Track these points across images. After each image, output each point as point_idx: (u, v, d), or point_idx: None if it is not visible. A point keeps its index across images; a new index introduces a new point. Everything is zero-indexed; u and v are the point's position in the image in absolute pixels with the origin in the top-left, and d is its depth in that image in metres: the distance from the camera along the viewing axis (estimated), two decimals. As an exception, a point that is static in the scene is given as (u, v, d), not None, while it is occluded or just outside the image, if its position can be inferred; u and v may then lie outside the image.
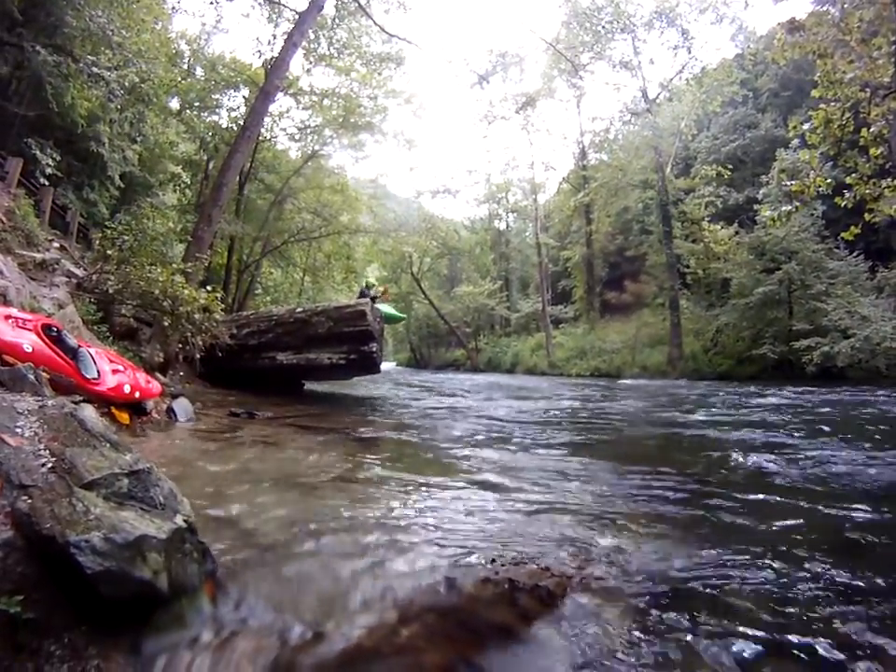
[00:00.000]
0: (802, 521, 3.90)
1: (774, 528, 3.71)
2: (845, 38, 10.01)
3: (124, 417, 6.10)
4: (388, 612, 2.17)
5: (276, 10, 24.87)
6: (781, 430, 8.53)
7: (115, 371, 6.37)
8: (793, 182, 10.96)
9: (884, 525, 3.83)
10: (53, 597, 1.79)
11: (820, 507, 4.23)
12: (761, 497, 4.55)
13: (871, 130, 10.05)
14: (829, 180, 10.41)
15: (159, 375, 9.27)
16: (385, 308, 15.43)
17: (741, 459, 6.06)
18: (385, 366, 14.59)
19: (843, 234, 11.26)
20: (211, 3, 22.95)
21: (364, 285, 16.60)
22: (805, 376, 22.81)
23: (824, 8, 10.86)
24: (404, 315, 21.39)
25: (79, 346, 6.22)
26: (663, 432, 8.96)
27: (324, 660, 1.89)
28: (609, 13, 35.81)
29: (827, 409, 11.25)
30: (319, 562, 2.65)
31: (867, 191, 10.37)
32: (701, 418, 10.26)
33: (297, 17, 19.62)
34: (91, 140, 18.75)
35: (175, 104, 27.63)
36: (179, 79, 25.73)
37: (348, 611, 2.16)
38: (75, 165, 19.21)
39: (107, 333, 9.94)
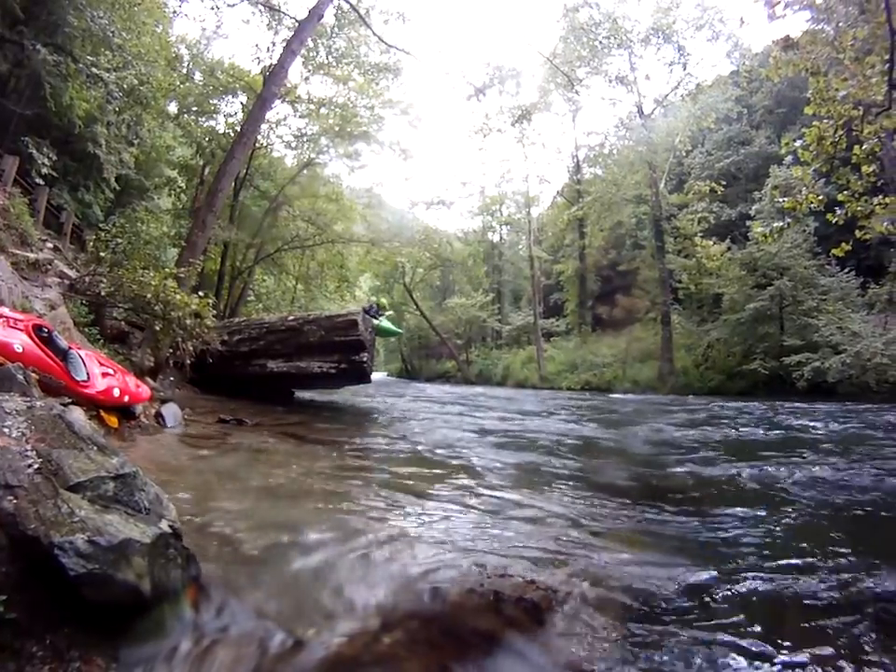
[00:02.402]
0: (789, 533, 3.93)
1: (761, 543, 3.72)
2: (838, 56, 10.09)
3: (113, 421, 6.08)
4: (371, 620, 2.17)
5: (276, 18, 24.96)
6: (765, 446, 8.59)
7: (105, 375, 6.36)
8: (786, 199, 11.01)
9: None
10: (36, 599, 1.79)
11: (806, 520, 4.26)
12: (750, 513, 4.56)
13: (863, 147, 10.12)
14: (821, 197, 10.45)
15: (148, 380, 9.25)
16: (384, 323, 15.44)
17: (730, 476, 6.07)
18: (375, 376, 14.56)
19: (834, 251, 11.31)
20: (212, 8, 23.09)
21: (376, 303, 16.53)
22: (796, 391, 22.90)
23: (819, 27, 10.93)
24: (401, 331, 21.25)
25: (70, 348, 6.20)
26: (654, 448, 8.99)
27: (303, 669, 1.88)
28: (607, 29, 36.08)
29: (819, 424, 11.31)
30: (303, 569, 2.65)
31: (859, 208, 10.43)
32: (691, 435, 10.29)
33: (296, 25, 19.72)
34: (88, 141, 18.71)
35: (172, 107, 27.57)
36: (178, 83, 25.67)
37: (330, 619, 2.16)
38: (71, 166, 19.17)
39: (98, 336, 9.92)
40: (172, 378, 11.33)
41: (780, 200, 11.52)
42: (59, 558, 1.74)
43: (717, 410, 15.93)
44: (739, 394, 24.73)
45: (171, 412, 7.59)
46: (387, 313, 16.81)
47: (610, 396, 26.59)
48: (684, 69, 36.19)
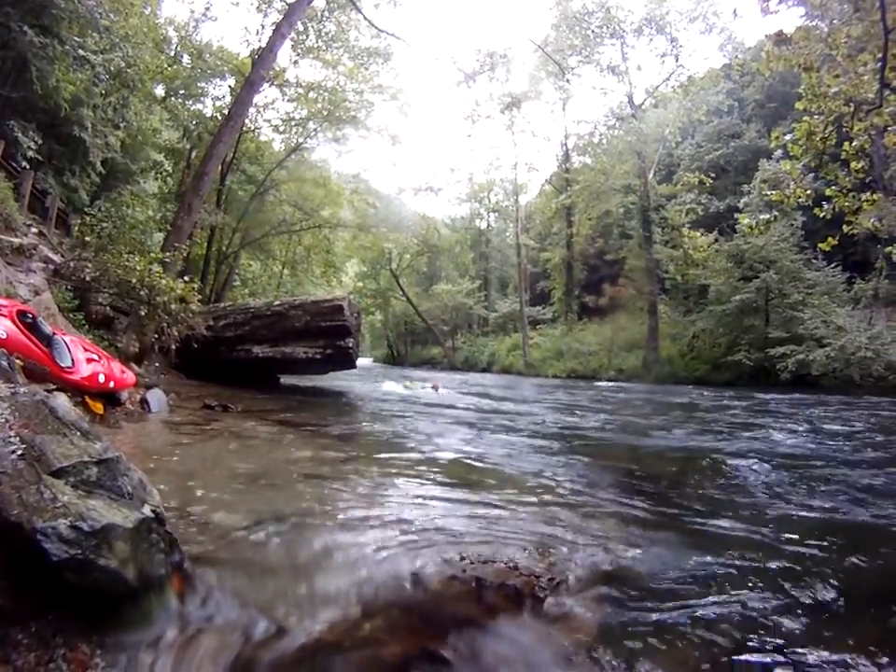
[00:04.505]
0: (778, 525, 3.96)
1: (744, 533, 3.76)
2: (831, 53, 10.08)
3: (98, 407, 6.07)
4: (352, 607, 2.19)
5: (266, 0, 24.77)
6: (753, 435, 8.67)
7: (89, 360, 6.34)
8: (774, 192, 11.04)
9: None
10: (21, 585, 1.79)
11: (798, 512, 4.30)
12: (735, 501, 4.61)
13: (853, 144, 10.15)
14: (809, 191, 10.48)
15: (134, 365, 9.22)
16: None
17: (716, 465, 6.10)
18: (361, 362, 14.62)
19: (821, 245, 11.36)
20: (201, -11, 22.89)
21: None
22: (780, 383, 23.13)
23: (813, 23, 10.93)
24: None
25: (54, 334, 6.18)
26: (640, 436, 9.04)
27: (284, 655, 1.91)
28: (600, 18, 36.10)
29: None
30: (287, 556, 2.66)
31: (846, 204, 10.47)
32: (679, 423, 10.37)
33: (286, 8, 19.59)
34: (74, 124, 18.43)
35: (159, 90, 27.32)
36: (165, 66, 25.46)
37: (312, 606, 2.17)
38: (56, 149, 18.90)
39: (83, 321, 9.88)
40: (157, 363, 11.28)
41: (768, 193, 11.55)
42: (41, 543, 1.74)
43: (699, 398, 16.06)
44: (724, 384, 24.94)
45: (156, 397, 7.57)
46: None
47: (596, 383, 26.77)
48: (676, 61, 36.44)
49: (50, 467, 2.08)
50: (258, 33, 25.57)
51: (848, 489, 5.14)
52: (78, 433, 2.41)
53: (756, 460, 6.28)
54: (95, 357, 6.59)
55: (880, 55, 8.55)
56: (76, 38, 15.73)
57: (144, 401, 7.35)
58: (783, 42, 10.52)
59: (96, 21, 15.82)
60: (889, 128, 10.01)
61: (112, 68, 18.15)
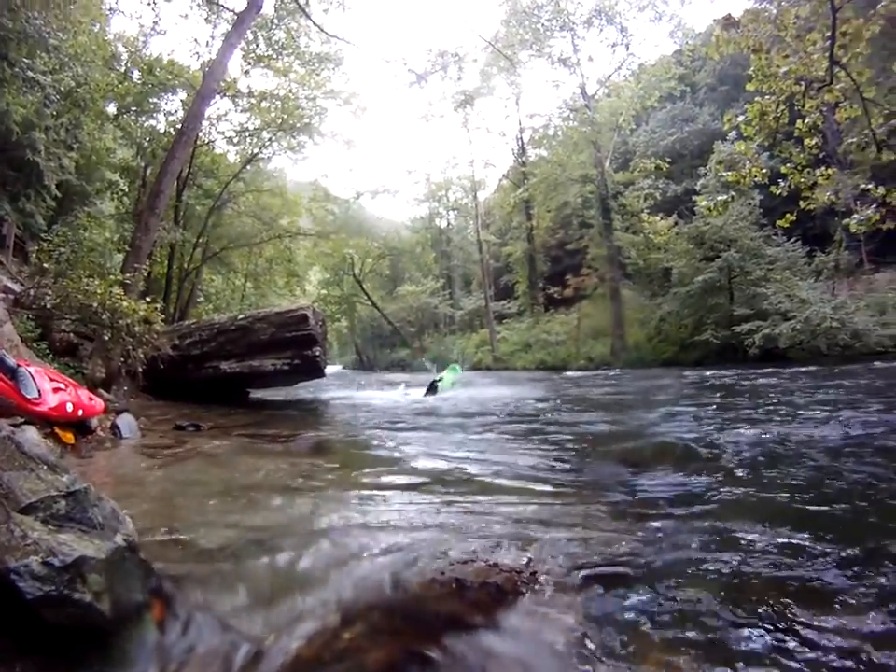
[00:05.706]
0: (752, 499, 4.03)
1: (723, 511, 3.80)
2: (780, 34, 10.24)
3: (69, 437, 6.00)
4: (330, 616, 2.19)
5: (215, 11, 24.68)
6: (712, 411, 8.80)
7: (56, 390, 6.26)
8: (730, 173, 11.21)
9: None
10: (2, 626, 1.78)
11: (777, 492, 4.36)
12: (712, 482, 4.62)
13: (805, 121, 10.32)
14: (764, 170, 10.65)
15: (102, 391, 9.09)
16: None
17: (701, 449, 6.13)
18: (330, 369, 14.61)
19: (779, 222, 11.58)
20: (148, 3, 22.79)
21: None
22: (748, 359, 23.57)
23: (762, 6, 11.10)
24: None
25: (19, 366, 6.10)
26: (612, 420, 9.12)
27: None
28: (549, 11, 36.40)
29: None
30: (265, 573, 2.66)
31: (802, 180, 10.67)
32: (653, 407, 10.47)
33: (235, 17, 19.49)
34: (27, 148, 18.16)
35: (111, 108, 27.04)
36: (116, 83, 25.25)
37: (289, 621, 2.17)
38: (9, 175, 18.61)
39: (47, 350, 9.74)
40: (125, 387, 11.14)
41: (725, 174, 11.73)
42: (16, 583, 1.73)
43: (673, 379, 16.24)
44: (693, 364, 25.32)
45: (126, 422, 7.50)
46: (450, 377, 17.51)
47: (566, 373, 26.99)
48: (627, 50, 36.89)
49: (19, 503, 2.07)
50: (207, 44, 25.54)
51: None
52: (45, 466, 2.40)
53: (734, 437, 6.38)
54: (62, 385, 6.51)
55: (829, 34, 8.73)
56: (25, 60, 15.51)
57: (114, 427, 7.28)
58: (732, 26, 10.69)
59: (45, 41, 15.65)
60: (841, 104, 10.22)
61: (62, 88, 17.97)
